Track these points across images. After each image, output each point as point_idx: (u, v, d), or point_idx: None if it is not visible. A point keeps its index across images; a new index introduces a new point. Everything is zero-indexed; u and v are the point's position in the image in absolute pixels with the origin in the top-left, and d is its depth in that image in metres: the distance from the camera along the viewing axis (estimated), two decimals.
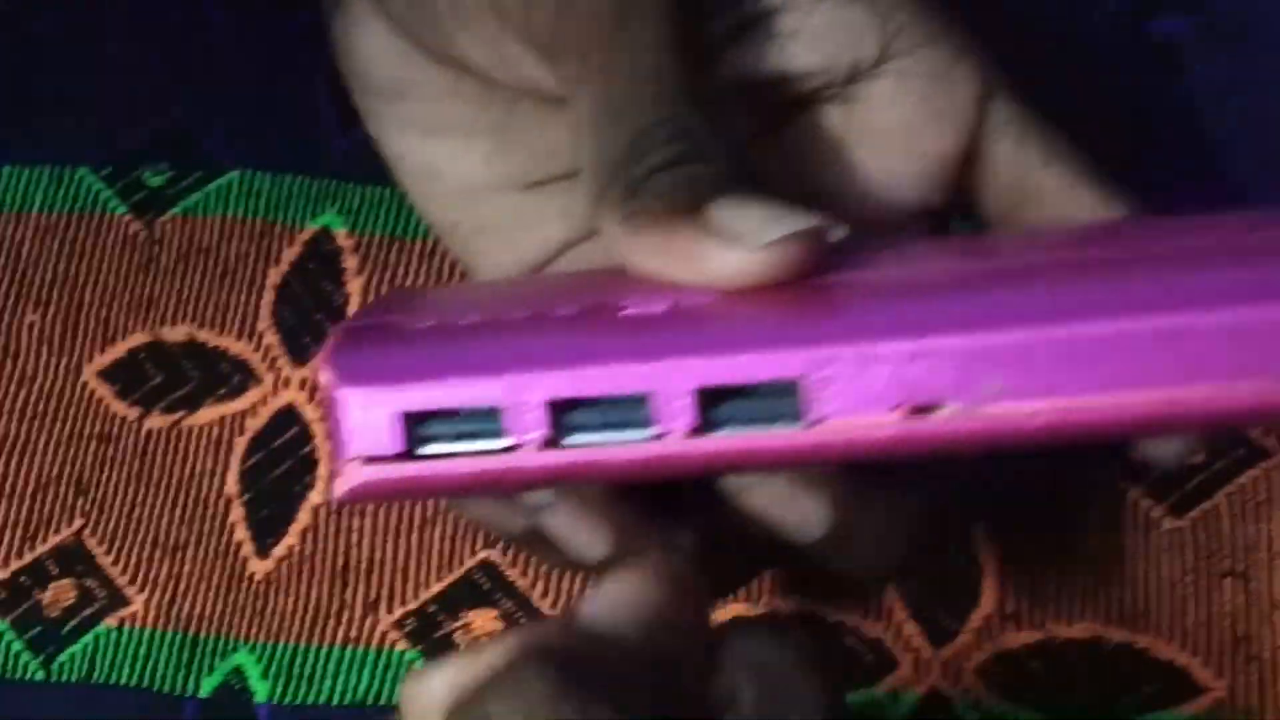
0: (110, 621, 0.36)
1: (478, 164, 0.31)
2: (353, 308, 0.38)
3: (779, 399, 0.23)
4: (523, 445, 0.23)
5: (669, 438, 0.23)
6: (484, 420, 0.24)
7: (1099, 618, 0.35)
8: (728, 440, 0.23)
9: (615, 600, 0.24)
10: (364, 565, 0.36)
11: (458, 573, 0.36)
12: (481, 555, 0.36)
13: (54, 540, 0.37)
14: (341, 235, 0.39)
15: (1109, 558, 0.35)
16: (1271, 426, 0.36)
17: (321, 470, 0.37)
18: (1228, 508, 0.36)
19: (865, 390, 0.22)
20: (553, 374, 0.23)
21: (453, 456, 0.24)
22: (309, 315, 0.38)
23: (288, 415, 0.38)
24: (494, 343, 0.25)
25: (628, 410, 0.23)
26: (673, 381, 0.23)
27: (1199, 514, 0.36)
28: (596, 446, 0.24)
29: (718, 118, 0.27)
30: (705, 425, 0.23)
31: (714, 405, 0.23)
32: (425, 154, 0.33)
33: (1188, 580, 0.35)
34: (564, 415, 0.23)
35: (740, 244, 0.24)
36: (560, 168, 0.31)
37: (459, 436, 0.24)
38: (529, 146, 0.31)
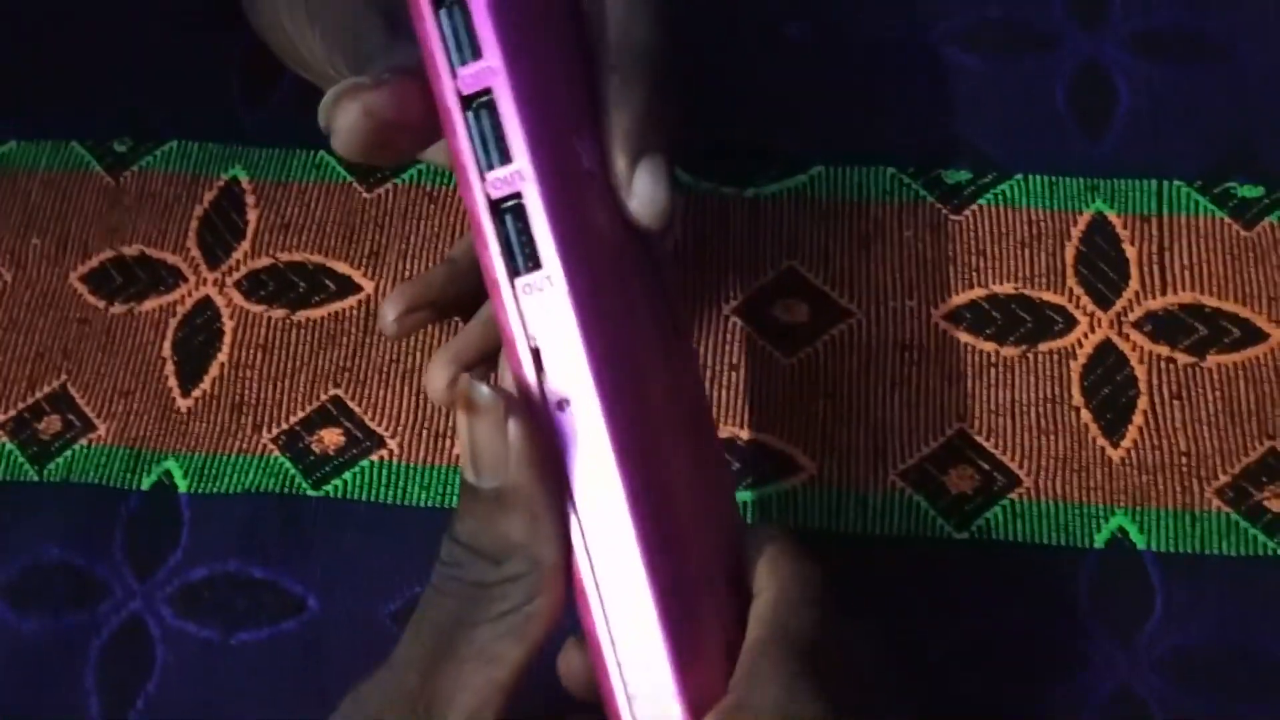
0: (83, 442, 0.45)
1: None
2: (251, 233, 0.47)
3: None
4: None
5: None
6: None
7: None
8: None
9: None
10: (253, 401, 0.45)
11: (315, 405, 0.45)
12: (332, 393, 0.45)
13: (47, 389, 0.45)
14: (245, 182, 0.48)
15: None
16: None
17: (227, 339, 0.46)
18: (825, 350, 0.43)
19: None
20: None
21: None
22: (221, 236, 0.47)
23: (205, 303, 0.46)
24: None
25: None
26: None
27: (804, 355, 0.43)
28: None
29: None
30: None
31: None
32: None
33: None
34: None
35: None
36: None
37: None
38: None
